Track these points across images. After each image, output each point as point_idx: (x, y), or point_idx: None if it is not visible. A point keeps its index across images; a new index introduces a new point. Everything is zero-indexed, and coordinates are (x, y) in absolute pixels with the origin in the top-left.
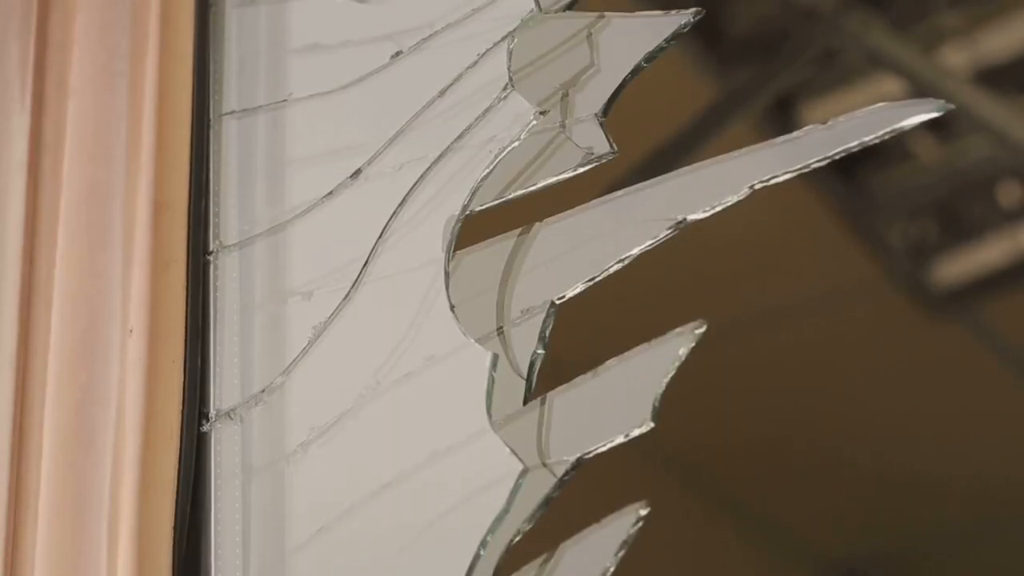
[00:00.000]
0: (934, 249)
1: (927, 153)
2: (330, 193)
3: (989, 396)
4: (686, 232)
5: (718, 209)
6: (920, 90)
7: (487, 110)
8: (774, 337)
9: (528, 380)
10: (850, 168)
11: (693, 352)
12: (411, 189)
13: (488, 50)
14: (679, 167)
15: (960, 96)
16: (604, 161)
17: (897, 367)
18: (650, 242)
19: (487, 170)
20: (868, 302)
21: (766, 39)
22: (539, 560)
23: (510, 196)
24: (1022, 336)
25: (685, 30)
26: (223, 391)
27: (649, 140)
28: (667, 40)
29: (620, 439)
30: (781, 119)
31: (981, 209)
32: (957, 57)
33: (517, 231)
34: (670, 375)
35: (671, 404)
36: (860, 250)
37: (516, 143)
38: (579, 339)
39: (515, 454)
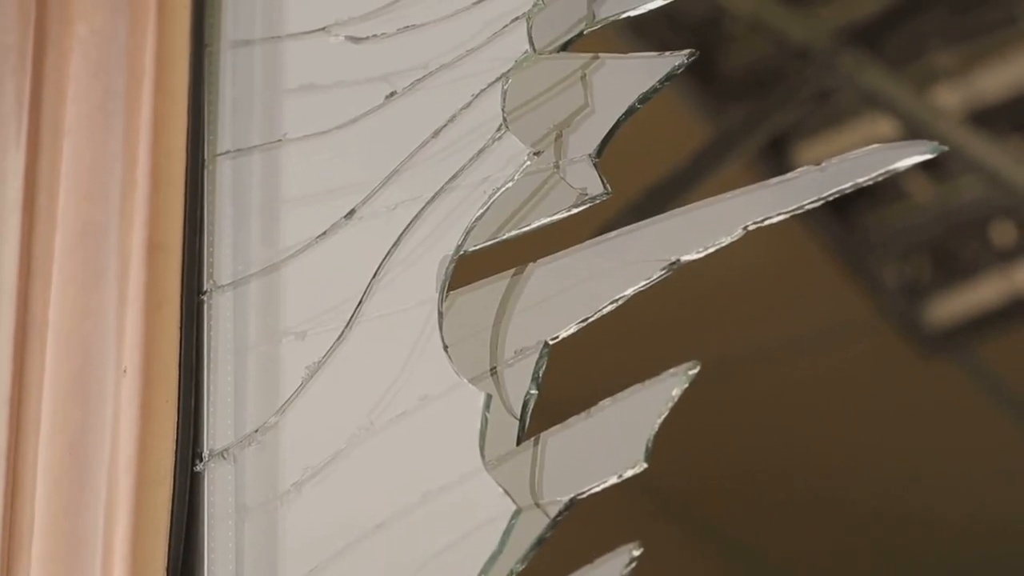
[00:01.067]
0: (928, 288)
1: (921, 192)
2: (324, 233)
3: (982, 435)
4: (680, 269)
5: (712, 250)
6: (914, 130)
7: (481, 150)
8: (768, 375)
9: (521, 420)
10: (844, 207)
11: (688, 390)
12: (405, 229)
13: (483, 91)
14: (673, 206)
15: (954, 136)
16: (598, 202)
17: (891, 405)
18: (644, 283)
19: (481, 210)
20: (862, 340)
21: (760, 79)
22: None
23: (504, 236)
24: (1016, 375)
25: (679, 71)
26: (216, 431)
27: (643, 179)
28: (661, 81)
29: (613, 480)
30: (775, 159)
31: (975, 248)
32: (951, 97)
33: (511, 271)
34: (663, 415)
35: (664, 440)
36: (854, 288)
37: (510, 183)
38: (573, 379)
39: (508, 494)
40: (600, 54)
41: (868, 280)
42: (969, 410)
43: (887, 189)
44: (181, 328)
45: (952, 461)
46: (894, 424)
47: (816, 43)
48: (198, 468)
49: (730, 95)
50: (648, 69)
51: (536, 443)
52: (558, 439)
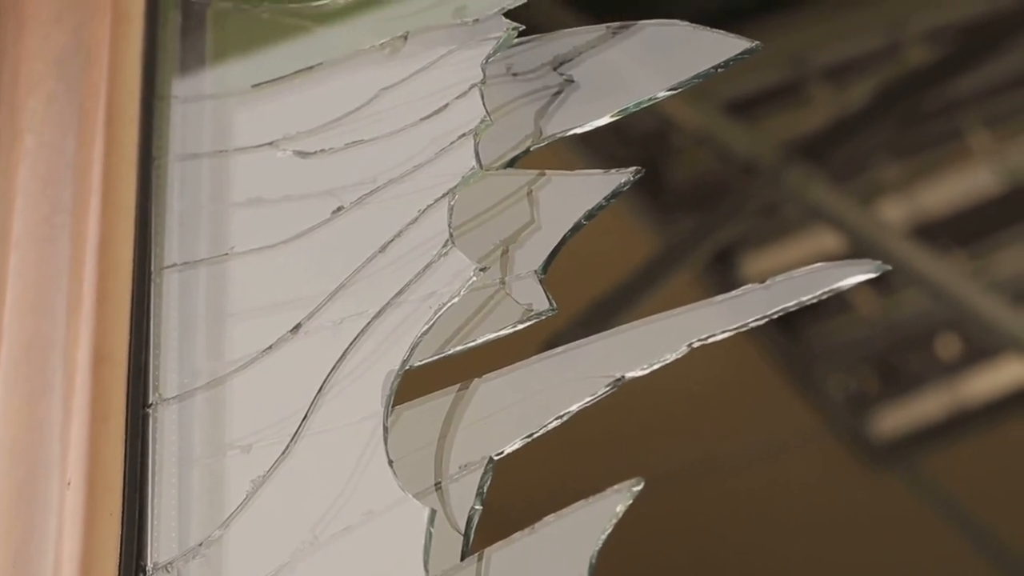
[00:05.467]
0: (873, 400)
1: (866, 305)
2: (270, 347)
3: (927, 547)
4: (626, 384)
5: (656, 367)
6: (859, 244)
7: (428, 266)
8: (713, 488)
9: (466, 536)
10: (790, 319)
11: (633, 506)
12: (351, 344)
13: (429, 206)
14: (620, 320)
15: (898, 250)
16: (543, 318)
17: (836, 517)
18: (589, 399)
19: (427, 325)
20: (807, 452)
21: (707, 192)
22: None
23: (450, 352)
24: (961, 488)
25: (625, 188)
26: (160, 544)
27: (590, 290)
28: (607, 198)
29: None
30: (722, 272)
31: (919, 361)
32: (896, 211)
33: (456, 387)
34: (607, 532)
35: (607, 556)
36: (799, 401)
37: (456, 299)
38: (518, 493)
39: None
40: (546, 171)
41: (813, 392)
42: (914, 522)
43: (832, 302)
44: (126, 441)
45: (897, 573)
46: (839, 536)
47: (762, 157)
48: None
49: (677, 208)
50: (594, 186)
51: (480, 559)
52: (502, 555)
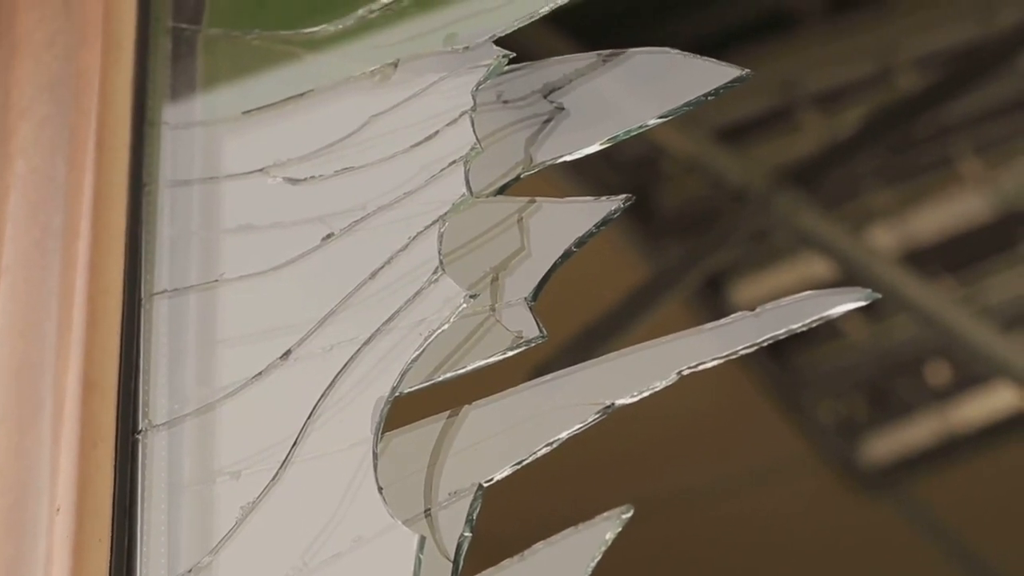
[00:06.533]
0: (864, 427)
1: (856, 332)
2: (260, 373)
3: (917, 574)
4: (616, 409)
5: (646, 394)
6: (849, 270)
7: (418, 293)
8: (703, 514)
9: (455, 563)
10: (780, 346)
11: (622, 532)
12: (341, 370)
13: (419, 233)
14: (610, 346)
15: (888, 277)
16: (533, 345)
17: (827, 544)
18: (578, 426)
19: (417, 352)
20: (798, 479)
21: (697, 219)
22: None
23: (440, 378)
24: (951, 514)
25: (615, 216)
26: (150, 571)
27: (580, 317)
28: (597, 225)
29: None
30: (712, 298)
31: (909, 388)
32: (886, 237)
33: (446, 413)
34: (596, 560)
35: None
36: (790, 428)
37: (446, 326)
38: (508, 519)
39: None
40: (537, 198)
41: (803, 419)
42: (905, 549)
43: (822, 328)
44: (115, 467)
45: None
46: (830, 562)
47: (753, 184)
48: None
49: (667, 234)
50: (585, 213)
51: None
52: None
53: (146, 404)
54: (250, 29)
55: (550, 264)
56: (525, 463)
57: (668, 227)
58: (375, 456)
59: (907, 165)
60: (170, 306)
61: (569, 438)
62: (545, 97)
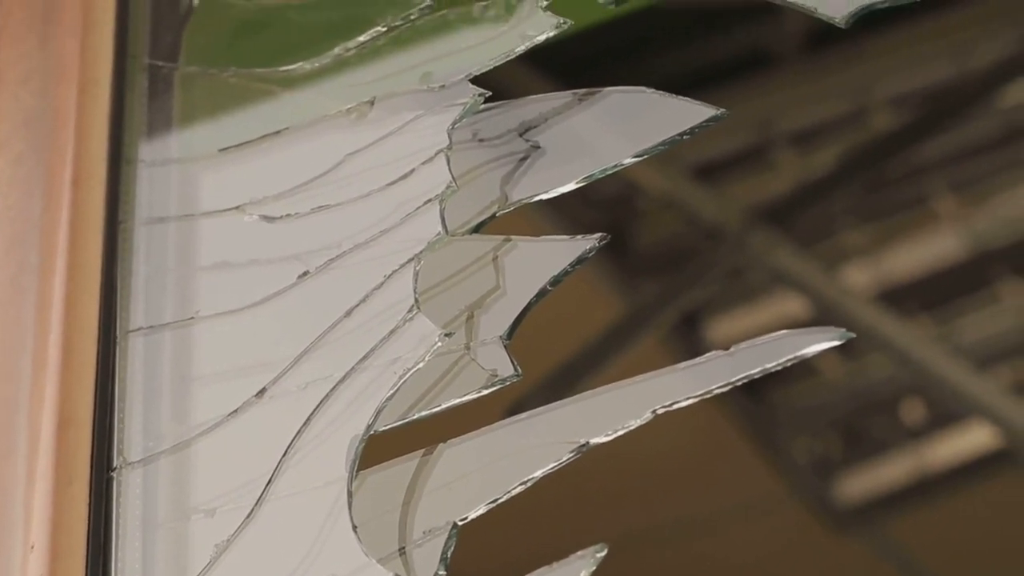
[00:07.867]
0: (838, 465)
1: (831, 370)
2: (235, 411)
3: None
4: (590, 448)
5: (620, 433)
6: (824, 308)
7: (393, 331)
8: (678, 552)
9: None
10: (754, 384)
11: (596, 572)
12: (316, 408)
13: (395, 271)
14: (585, 384)
15: (863, 315)
16: (508, 384)
17: None
18: (553, 464)
19: (392, 390)
20: (773, 517)
21: (672, 256)
22: None
23: (414, 417)
24: (926, 553)
25: (590, 255)
26: None
27: (555, 354)
28: (572, 264)
29: None
30: (687, 335)
31: (885, 426)
32: (861, 276)
33: (420, 452)
34: None
35: None
36: (764, 465)
37: (421, 364)
38: (482, 558)
39: None
40: (512, 236)
41: (778, 457)
42: None
43: (797, 367)
44: (90, 505)
45: None
46: None
47: (728, 222)
48: None
49: (642, 272)
50: (560, 251)
51: None
52: None
53: (121, 441)
54: (227, 67)
55: (525, 302)
56: (500, 501)
57: (643, 265)
58: (349, 494)
59: (882, 204)
60: (145, 343)
61: (544, 477)
62: (521, 135)
